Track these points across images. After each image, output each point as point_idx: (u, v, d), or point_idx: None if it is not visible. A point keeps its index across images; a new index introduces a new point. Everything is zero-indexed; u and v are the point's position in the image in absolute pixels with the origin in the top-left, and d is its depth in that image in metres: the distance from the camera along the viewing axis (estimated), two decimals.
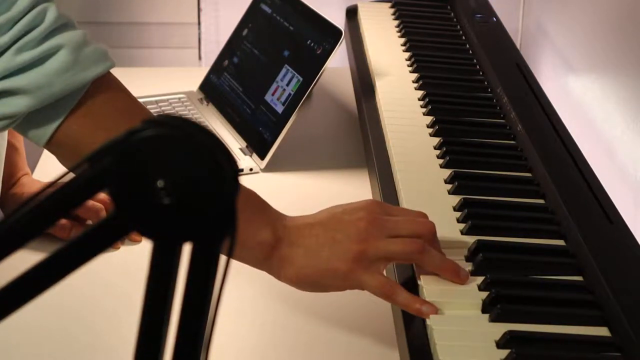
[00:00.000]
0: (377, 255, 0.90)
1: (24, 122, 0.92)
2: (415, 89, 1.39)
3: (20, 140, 1.30)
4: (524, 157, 1.19)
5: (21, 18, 0.88)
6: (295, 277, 0.91)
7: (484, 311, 0.89)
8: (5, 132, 1.18)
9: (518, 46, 1.72)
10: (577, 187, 1.09)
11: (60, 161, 0.96)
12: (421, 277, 0.93)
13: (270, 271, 0.93)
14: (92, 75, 0.91)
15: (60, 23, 0.91)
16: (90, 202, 1.18)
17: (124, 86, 0.97)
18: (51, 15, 0.90)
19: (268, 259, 0.91)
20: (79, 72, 0.90)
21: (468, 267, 0.95)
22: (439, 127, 1.25)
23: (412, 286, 0.93)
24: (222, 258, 0.54)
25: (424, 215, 0.96)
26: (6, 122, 0.91)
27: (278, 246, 0.91)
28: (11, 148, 1.27)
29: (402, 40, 1.57)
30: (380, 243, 0.90)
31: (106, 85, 0.94)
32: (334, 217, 0.92)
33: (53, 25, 0.90)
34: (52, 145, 0.93)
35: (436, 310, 0.88)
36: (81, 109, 0.92)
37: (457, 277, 0.91)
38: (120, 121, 0.93)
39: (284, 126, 1.38)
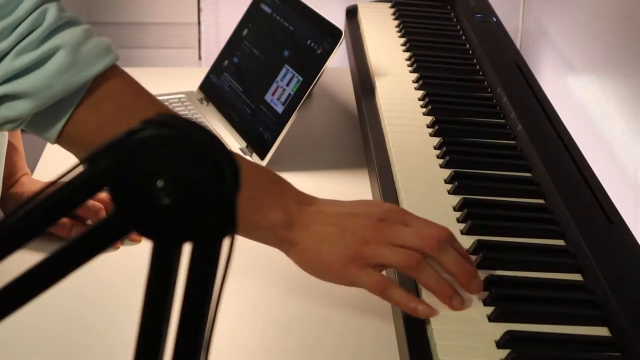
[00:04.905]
0: (374, 260, 0.91)
1: (31, 123, 0.92)
2: (415, 89, 1.39)
3: (19, 140, 1.30)
4: (524, 157, 1.19)
5: (22, 21, 0.88)
6: (299, 260, 0.94)
7: (484, 311, 0.89)
8: (5, 131, 1.18)
9: (518, 46, 1.72)
10: (577, 187, 1.09)
11: (75, 156, 0.97)
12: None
13: (281, 249, 0.95)
14: (92, 73, 0.91)
15: (61, 22, 0.91)
16: (90, 202, 1.18)
17: (129, 77, 0.97)
18: (51, 15, 0.90)
19: (278, 239, 0.94)
20: (79, 71, 0.91)
21: None
22: (439, 127, 1.25)
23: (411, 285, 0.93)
24: (222, 257, 0.54)
25: (442, 231, 0.92)
26: (11, 125, 0.91)
27: (290, 227, 0.93)
28: (11, 148, 1.27)
29: (402, 40, 1.57)
30: (381, 249, 0.91)
31: (110, 79, 0.94)
32: (351, 213, 0.94)
33: (53, 26, 0.90)
34: (62, 142, 0.94)
35: (433, 312, 0.88)
36: (85, 105, 0.92)
37: (450, 302, 0.89)
38: (124, 115, 0.94)
39: (284, 126, 1.37)
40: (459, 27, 1.63)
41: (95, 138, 0.92)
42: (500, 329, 0.86)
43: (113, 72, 0.94)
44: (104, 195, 1.13)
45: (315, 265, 0.93)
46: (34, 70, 0.89)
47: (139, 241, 1.16)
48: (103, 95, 0.93)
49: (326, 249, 0.92)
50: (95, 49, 0.92)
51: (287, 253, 0.95)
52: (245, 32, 1.56)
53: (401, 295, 0.90)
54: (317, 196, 0.98)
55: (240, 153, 1.42)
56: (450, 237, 0.92)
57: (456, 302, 0.89)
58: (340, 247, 0.91)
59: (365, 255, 0.91)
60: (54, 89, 0.90)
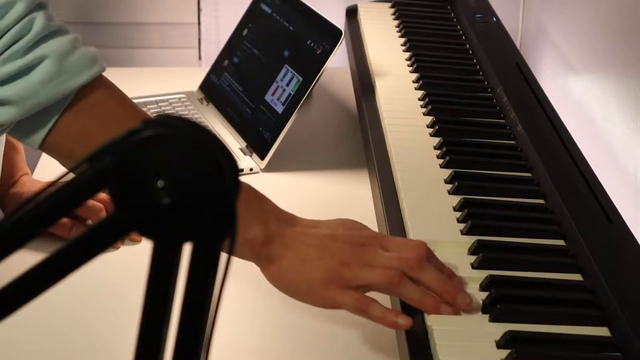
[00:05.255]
0: (355, 281, 0.91)
1: (15, 129, 0.93)
2: (415, 89, 1.39)
3: None
4: (524, 157, 1.19)
5: (9, 29, 0.89)
6: (276, 278, 0.93)
7: (484, 311, 0.89)
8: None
9: (518, 46, 1.72)
10: (577, 187, 1.09)
11: (60, 162, 0.97)
12: None
13: (258, 265, 0.94)
14: (78, 83, 0.92)
15: (48, 31, 0.91)
16: (91, 202, 1.18)
17: (115, 88, 0.97)
18: (38, 24, 0.90)
19: (256, 255, 0.93)
20: (64, 81, 0.91)
21: (468, 267, 0.96)
22: (439, 127, 1.25)
23: None
24: (222, 258, 0.54)
25: (420, 249, 0.92)
26: None
27: (268, 244, 0.92)
28: (11, 148, 1.27)
29: (402, 40, 1.57)
30: (360, 270, 0.91)
31: (95, 90, 0.94)
32: (332, 235, 0.93)
33: (40, 34, 0.90)
34: (45, 149, 0.94)
35: (412, 322, 0.88)
36: (69, 114, 0.93)
37: (437, 312, 0.89)
38: (108, 126, 0.94)
39: (284, 126, 1.38)
40: (459, 27, 1.63)
41: (78, 147, 0.93)
42: (500, 329, 0.86)
43: (99, 83, 0.95)
44: (104, 195, 1.13)
45: (293, 284, 0.92)
46: (19, 78, 0.90)
47: (139, 241, 1.16)
48: (87, 105, 0.93)
49: (307, 268, 0.91)
50: (82, 60, 0.93)
51: (263, 269, 0.94)
52: (245, 32, 1.56)
53: (381, 311, 0.90)
54: (317, 196, 0.98)
55: (240, 153, 1.42)
56: (429, 254, 0.92)
57: (444, 312, 0.89)
58: (321, 267, 0.91)
59: (345, 276, 0.91)
60: (39, 97, 0.90)
